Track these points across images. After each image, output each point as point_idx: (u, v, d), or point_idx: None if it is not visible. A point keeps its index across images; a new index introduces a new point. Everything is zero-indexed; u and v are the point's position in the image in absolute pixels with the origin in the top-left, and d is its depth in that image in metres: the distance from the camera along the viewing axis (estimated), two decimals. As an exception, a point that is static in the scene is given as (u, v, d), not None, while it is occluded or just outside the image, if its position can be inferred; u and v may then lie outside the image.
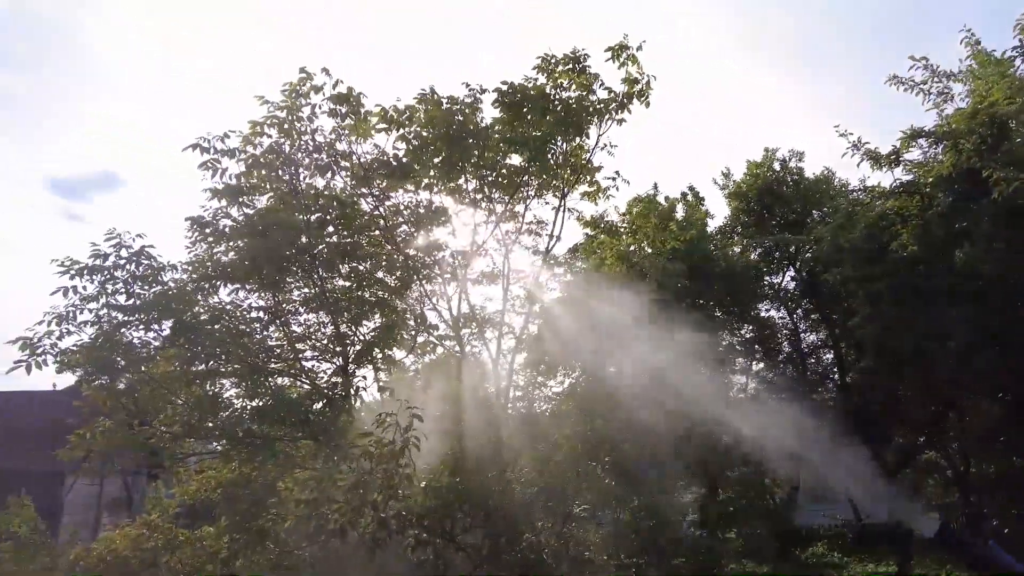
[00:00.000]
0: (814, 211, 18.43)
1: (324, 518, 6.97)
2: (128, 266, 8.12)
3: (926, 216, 10.41)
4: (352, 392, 9.28)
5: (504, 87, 10.24)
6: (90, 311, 8.11)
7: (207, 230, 8.70)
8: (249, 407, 8.73)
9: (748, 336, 19.92)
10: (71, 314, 8.01)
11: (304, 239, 8.84)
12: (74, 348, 8.00)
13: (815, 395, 19.48)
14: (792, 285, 19.38)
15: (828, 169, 19.41)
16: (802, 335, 19.69)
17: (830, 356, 19.46)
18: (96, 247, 7.99)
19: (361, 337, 10.04)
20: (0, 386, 27.10)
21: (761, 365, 19.97)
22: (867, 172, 17.72)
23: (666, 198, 18.19)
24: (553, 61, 10.23)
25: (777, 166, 19.01)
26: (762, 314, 20.01)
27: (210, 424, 8.81)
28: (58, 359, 7.91)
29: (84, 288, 7.93)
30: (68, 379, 9.96)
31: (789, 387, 19.69)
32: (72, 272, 7.84)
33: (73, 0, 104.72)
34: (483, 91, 10.54)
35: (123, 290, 8.06)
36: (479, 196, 11.17)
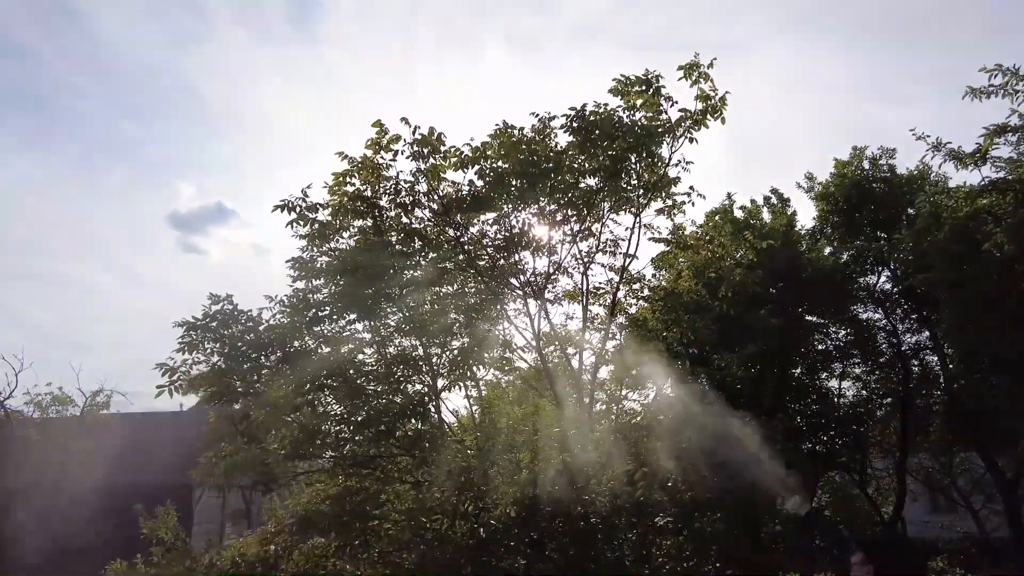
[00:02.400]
0: (909, 209, 17.63)
1: (422, 527, 7.64)
2: (231, 322, 9.37)
3: (1019, 214, 9.90)
4: (440, 409, 9.97)
5: (572, 112, 10.56)
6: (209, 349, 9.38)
7: (303, 272, 9.75)
8: (350, 424, 9.58)
9: (846, 339, 19.19)
10: (200, 344, 9.28)
11: (392, 271, 9.64)
12: (200, 375, 9.22)
13: (919, 399, 18.50)
14: (888, 286, 18.55)
15: (924, 163, 18.46)
16: (902, 337, 18.73)
17: (934, 359, 18.42)
18: (205, 308, 9.35)
19: (448, 357, 10.75)
20: (133, 408, 30.00)
21: (859, 369, 19.16)
22: (951, 171, 16.58)
23: (742, 207, 17.99)
24: (626, 83, 10.48)
25: (866, 164, 18.30)
26: (860, 316, 19.24)
27: (317, 442, 9.76)
28: (189, 383, 9.14)
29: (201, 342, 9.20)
30: (193, 400, 11.39)
31: (891, 391, 18.83)
32: (189, 330, 9.13)
33: (181, 50, 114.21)
34: (552, 118, 11.00)
35: (229, 342, 9.23)
36: (556, 218, 11.61)
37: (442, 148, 10.25)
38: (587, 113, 10.46)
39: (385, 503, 9.63)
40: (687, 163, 11.13)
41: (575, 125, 10.55)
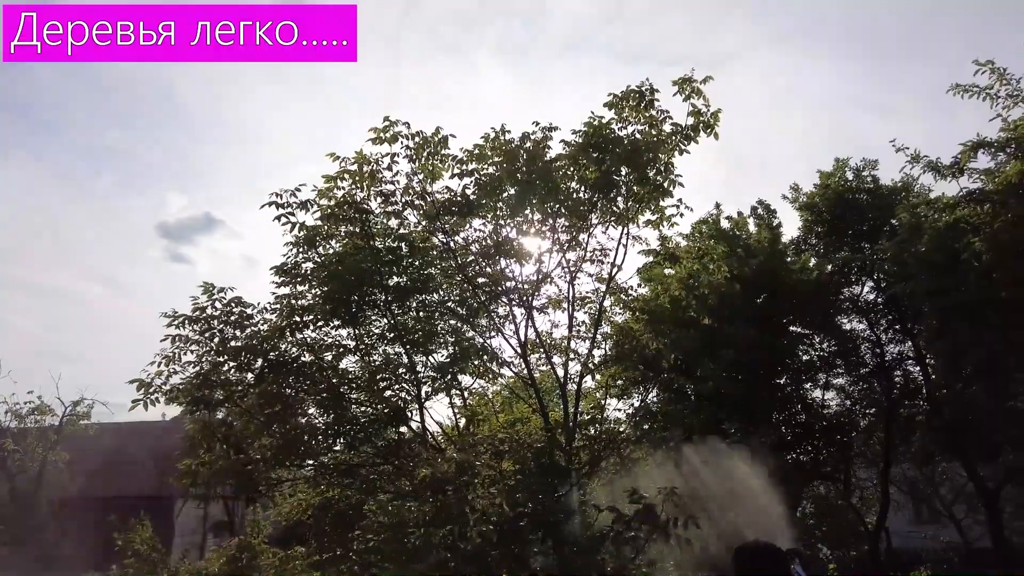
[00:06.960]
0: (892, 220, 17.78)
1: (400, 543, 7.55)
2: (222, 316, 9.14)
3: (997, 224, 10.02)
4: (424, 417, 9.88)
5: (578, 129, 10.42)
6: (192, 352, 9.18)
7: (286, 279, 9.63)
8: (329, 433, 9.45)
9: (829, 350, 19.27)
10: (176, 355, 9.08)
11: (377, 278, 9.56)
12: (180, 385, 9.04)
13: (903, 409, 18.61)
14: (872, 296, 18.67)
15: (907, 175, 18.63)
16: (886, 347, 18.84)
17: (917, 369, 18.53)
18: (196, 299, 9.06)
19: (433, 365, 10.66)
20: (115, 419, 29.58)
21: (843, 380, 19.23)
22: (932, 183, 16.84)
23: (729, 217, 18.08)
24: (622, 97, 10.40)
25: (849, 175, 18.48)
26: (844, 326, 19.33)
27: (300, 450, 9.62)
28: (167, 395, 8.96)
29: (187, 336, 8.99)
30: (176, 410, 11.19)
31: (875, 401, 18.92)
32: (176, 323, 8.88)
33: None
34: (551, 129, 10.91)
35: (218, 336, 9.03)
36: (545, 227, 11.57)
37: (443, 150, 10.25)
38: (585, 126, 10.39)
39: (367, 514, 9.50)
40: (677, 176, 11.10)
41: (575, 141, 10.51)
